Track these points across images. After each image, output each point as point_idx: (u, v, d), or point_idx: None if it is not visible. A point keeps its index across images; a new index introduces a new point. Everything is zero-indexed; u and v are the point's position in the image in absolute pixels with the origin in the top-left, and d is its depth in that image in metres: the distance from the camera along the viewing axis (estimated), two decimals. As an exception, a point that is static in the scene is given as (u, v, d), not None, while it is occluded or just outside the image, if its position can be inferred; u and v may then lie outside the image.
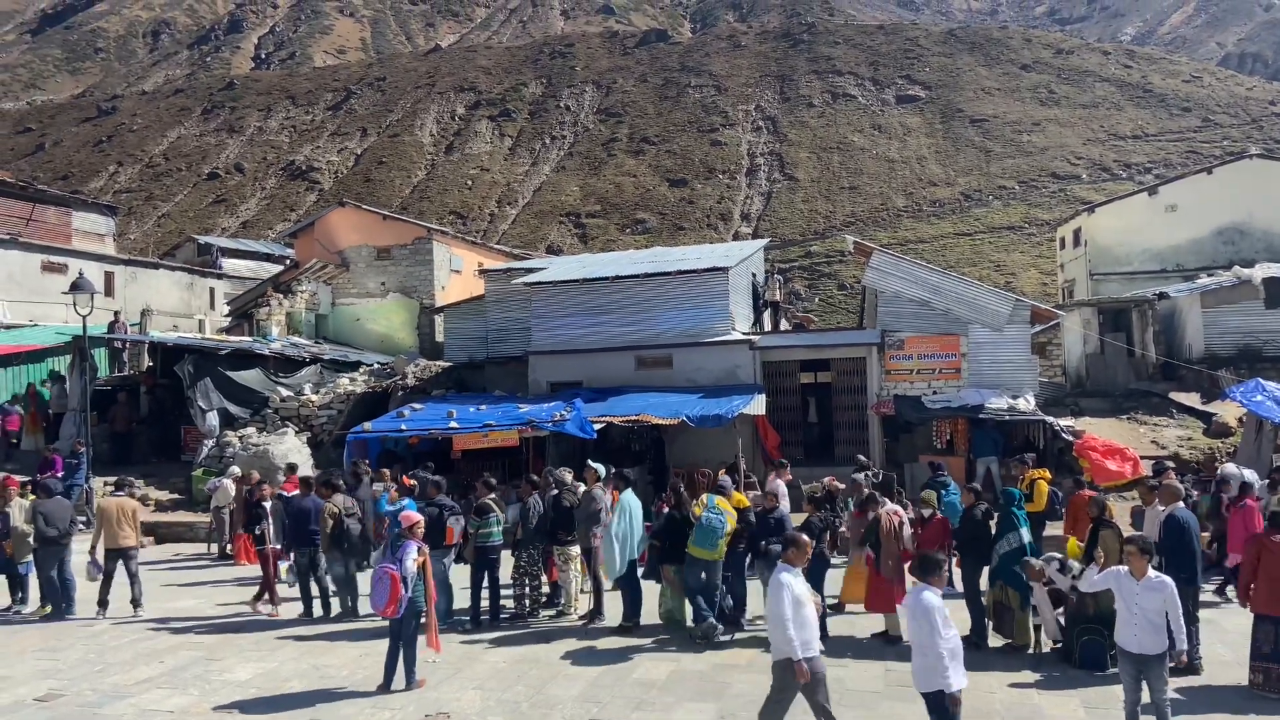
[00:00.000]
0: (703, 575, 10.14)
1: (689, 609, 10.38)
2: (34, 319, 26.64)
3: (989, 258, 58.48)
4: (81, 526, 14.59)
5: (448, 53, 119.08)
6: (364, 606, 11.15)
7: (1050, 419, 18.21)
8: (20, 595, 12.20)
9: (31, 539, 11.79)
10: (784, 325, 27.73)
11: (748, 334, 20.20)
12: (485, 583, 11.10)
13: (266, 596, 11.95)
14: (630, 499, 11.02)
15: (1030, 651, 9.54)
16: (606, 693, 8.54)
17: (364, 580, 11.00)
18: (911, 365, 19.36)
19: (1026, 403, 18.05)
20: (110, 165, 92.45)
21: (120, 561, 11.89)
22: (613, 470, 11.94)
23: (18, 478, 14.26)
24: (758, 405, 17.78)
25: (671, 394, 18.54)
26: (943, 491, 12.11)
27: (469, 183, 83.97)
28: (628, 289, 20.34)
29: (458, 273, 31.30)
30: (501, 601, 11.24)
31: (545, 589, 11.77)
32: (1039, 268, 54.33)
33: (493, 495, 11.58)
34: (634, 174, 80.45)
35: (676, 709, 8.08)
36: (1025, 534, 9.80)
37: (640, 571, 11.07)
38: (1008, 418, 17.70)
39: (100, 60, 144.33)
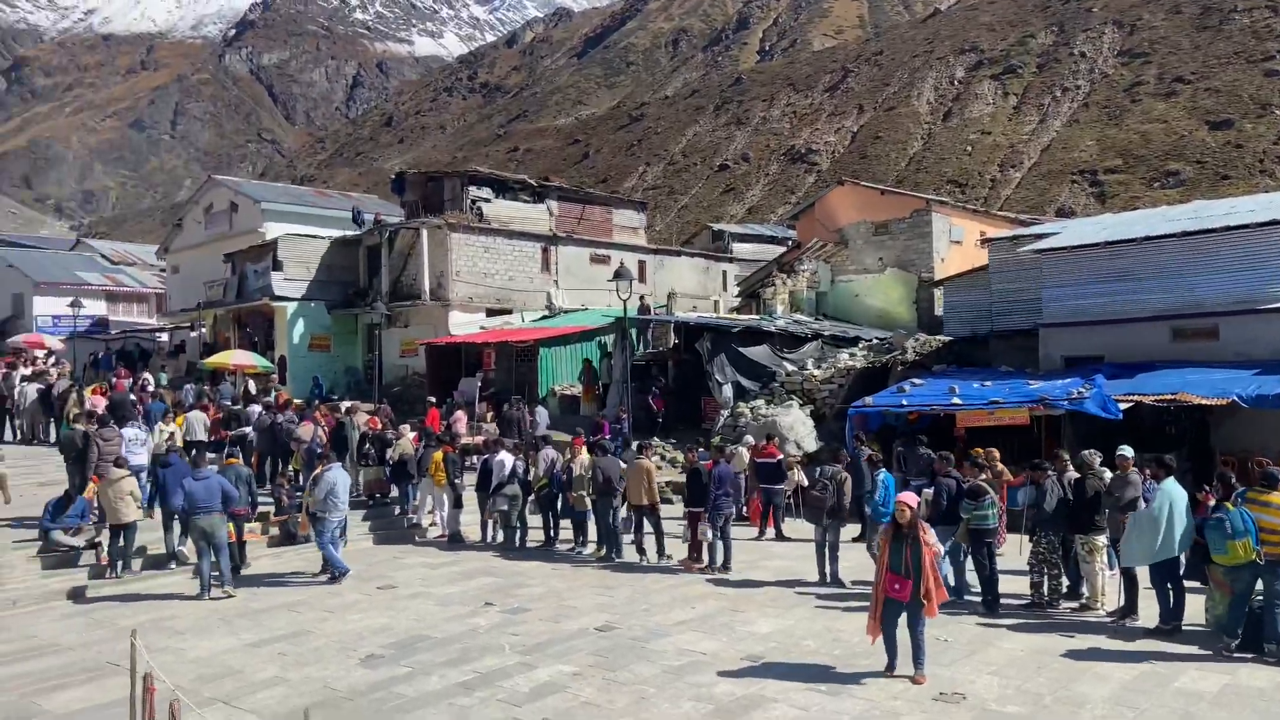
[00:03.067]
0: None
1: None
2: (585, 303, 31.21)
3: None
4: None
5: (947, 15, 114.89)
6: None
7: None
8: (581, 538, 14.47)
9: (587, 491, 13.97)
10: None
11: (1323, 299, 16.70)
12: (971, 565, 10.79)
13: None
14: (1172, 487, 9.80)
15: None
16: (1143, 698, 7.72)
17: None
18: None
19: None
20: (640, 166, 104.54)
21: (643, 515, 13.60)
22: (1147, 456, 10.74)
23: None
24: (1338, 385, 14.65)
25: (1216, 369, 16.09)
26: None
27: (968, 148, 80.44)
28: (1161, 250, 18.01)
29: (958, 243, 30.22)
30: (1002, 589, 10.77)
31: (1065, 579, 10.97)
32: None
33: (984, 476, 11.39)
34: (1164, 119, 70.66)
35: (1231, 732, 7.04)
36: None
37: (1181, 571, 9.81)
38: None
39: (631, 73, 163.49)
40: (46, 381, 23.52)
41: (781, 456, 15.52)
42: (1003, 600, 10.69)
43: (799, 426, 19.65)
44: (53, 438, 20.53)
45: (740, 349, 22.53)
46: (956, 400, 16.60)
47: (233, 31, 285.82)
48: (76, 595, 12.05)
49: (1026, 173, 74.33)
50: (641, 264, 33.47)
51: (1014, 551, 11.61)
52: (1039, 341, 19.64)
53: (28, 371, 26.18)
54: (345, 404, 19.75)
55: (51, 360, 31.36)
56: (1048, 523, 10.64)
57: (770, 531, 15.57)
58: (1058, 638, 9.54)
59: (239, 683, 8.60)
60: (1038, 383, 16.88)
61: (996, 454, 13.68)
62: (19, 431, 22.29)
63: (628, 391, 21.15)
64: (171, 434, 16.66)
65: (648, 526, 13.75)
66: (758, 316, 27.23)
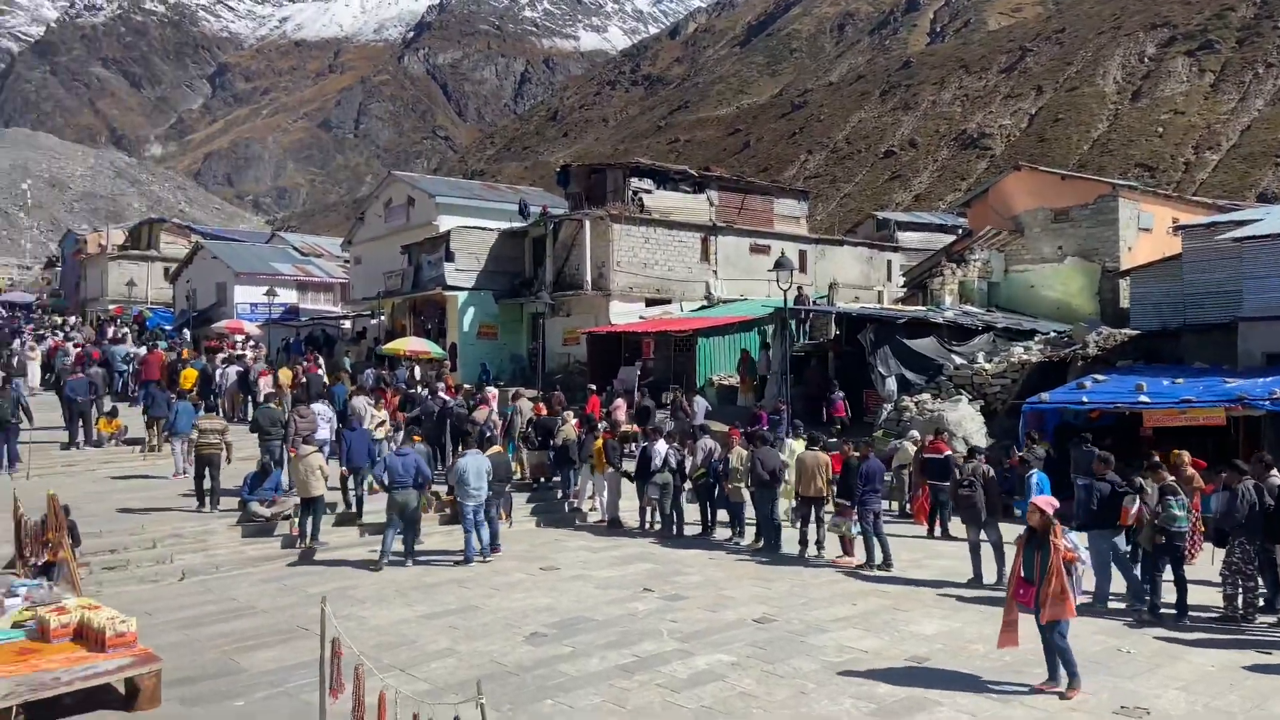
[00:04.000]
0: None
1: None
2: (743, 293, 31.07)
3: None
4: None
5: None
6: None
7: None
8: (738, 529, 14.44)
9: (746, 482, 13.93)
10: None
11: None
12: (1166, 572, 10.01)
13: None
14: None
15: None
16: (1356, 731, 7.03)
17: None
18: None
19: None
20: (801, 154, 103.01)
21: (811, 508, 13.38)
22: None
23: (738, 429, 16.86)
24: None
25: None
26: None
27: (1159, 130, 74.99)
28: (1386, 238, 16.24)
29: (1147, 231, 28.24)
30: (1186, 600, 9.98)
31: (1263, 590, 10.10)
32: None
33: (1171, 479, 10.55)
34: (1393, 92, 63.63)
35: None
36: None
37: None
38: None
39: (794, 60, 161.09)
40: (245, 364, 25.49)
41: (950, 452, 14.98)
42: (1190, 613, 9.94)
43: (968, 422, 18.90)
44: (249, 416, 22.22)
45: (905, 341, 21.88)
46: (1144, 398, 15.56)
47: (411, 33, 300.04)
48: (270, 562, 13.05)
49: (1224, 155, 68.64)
50: (802, 254, 33.01)
51: (1204, 560, 10.80)
52: (1237, 336, 18.13)
53: (229, 354, 28.48)
54: (510, 390, 20.46)
55: (249, 344, 33.94)
56: (1243, 531, 9.83)
57: (938, 530, 15.06)
58: (1252, 654, 8.82)
59: (414, 652, 9.07)
60: (1235, 381, 15.60)
61: (1186, 456, 12.76)
62: (220, 409, 24.26)
63: (786, 383, 20.94)
64: (383, 421, 17.85)
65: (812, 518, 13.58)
66: (925, 308, 26.34)
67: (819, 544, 13.32)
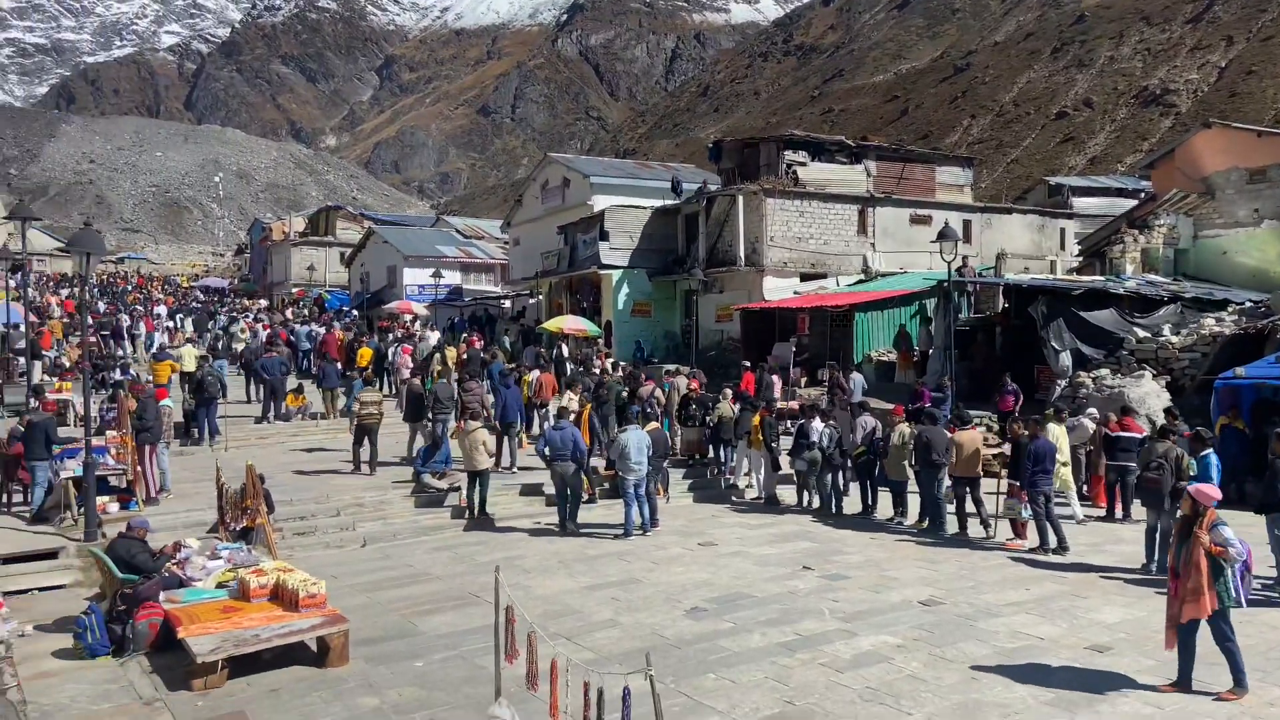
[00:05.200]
0: None
1: None
2: (903, 266, 30.08)
3: None
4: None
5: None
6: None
7: None
8: (901, 509, 14.06)
9: (909, 462, 13.56)
10: None
11: None
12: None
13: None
14: None
15: None
16: None
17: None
18: None
19: None
20: (964, 119, 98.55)
21: (967, 488, 12.89)
22: None
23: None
24: None
25: None
26: None
27: (1376, 76, 67.54)
28: None
29: (1362, 189, 25.50)
30: None
31: None
32: None
33: None
34: None
35: None
36: None
37: None
38: None
39: (956, 20, 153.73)
40: (414, 343, 26.77)
41: (1145, 432, 14.06)
42: None
43: (1151, 399, 17.68)
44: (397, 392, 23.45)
45: (1081, 313, 20.64)
46: (1358, 374, 14.12)
47: (564, 16, 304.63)
48: (442, 531, 13.69)
49: None
50: (966, 223, 31.65)
51: None
52: None
53: (400, 334, 29.96)
54: (667, 367, 20.61)
55: (418, 324, 35.57)
56: None
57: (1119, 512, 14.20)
58: None
59: (579, 622, 9.32)
60: None
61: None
62: (394, 386, 25.56)
63: (950, 359, 20.16)
64: (563, 405, 18.49)
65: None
66: (1103, 277, 24.77)
67: (984, 524, 12.84)
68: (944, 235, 19.05)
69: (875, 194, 31.29)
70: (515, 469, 16.27)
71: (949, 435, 13.10)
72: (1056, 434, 13.24)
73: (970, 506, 13.03)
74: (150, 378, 20.88)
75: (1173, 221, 27.48)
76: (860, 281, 29.53)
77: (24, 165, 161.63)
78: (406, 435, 17.35)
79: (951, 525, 13.11)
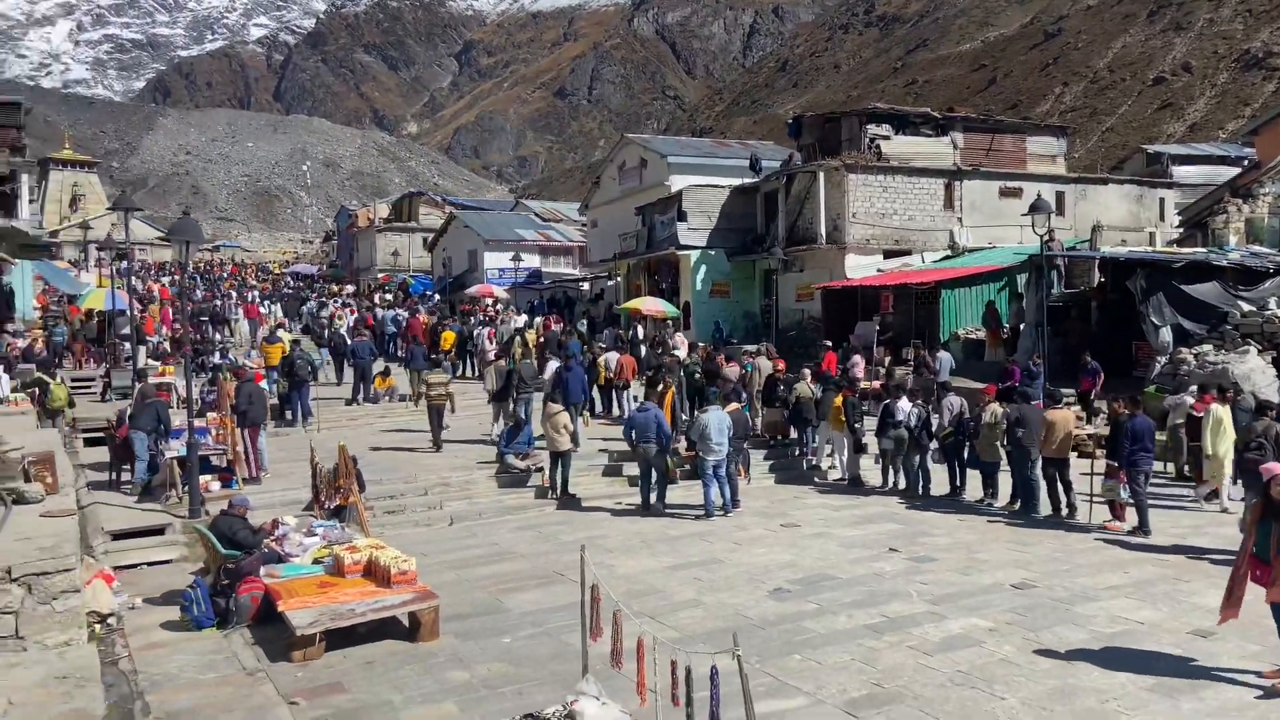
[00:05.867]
0: None
1: None
2: (991, 241, 29.21)
3: None
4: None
5: None
6: None
7: None
8: (991, 490, 13.73)
9: (1000, 442, 13.22)
10: None
11: None
12: None
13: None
14: None
15: None
16: None
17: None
18: None
19: None
20: (1056, 87, 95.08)
21: (1055, 469, 12.50)
22: None
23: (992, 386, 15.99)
24: None
25: None
26: None
27: None
28: None
29: None
30: None
31: None
32: None
33: None
34: None
35: None
36: None
37: None
38: None
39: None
40: (496, 326, 27.15)
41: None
42: None
43: (1257, 375, 16.91)
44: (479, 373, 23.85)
45: (1182, 287, 19.78)
46: None
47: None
48: (525, 510, 13.89)
49: None
50: (1060, 195, 30.54)
51: None
52: None
53: (482, 317, 30.41)
54: (747, 347, 20.48)
55: (499, 307, 36.04)
56: None
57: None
58: None
59: (661, 601, 9.35)
60: None
61: None
62: (477, 368, 25.99)
63: (1043, 336, 19.54)
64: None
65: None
66: (1205, 249, 23.67)
67: (1070, 507, 12.46)
68: (1036, 208, 18.44)
69: (963, 167, 30.44)
70: (576, 447, 16.18)
71: (1042, 414, 12.72)
72: (1220, 414, 12.70)
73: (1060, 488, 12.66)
74: (256, 362, 21.72)
75: (1278, 190, 26.08)
76: (946, 257, 28.79)
77: (125, 158, 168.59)
78: (490, 415, 17.71)
79: (1045, 507, 12.76)
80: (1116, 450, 11.92)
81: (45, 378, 18.37)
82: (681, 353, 21.56)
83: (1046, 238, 18.76)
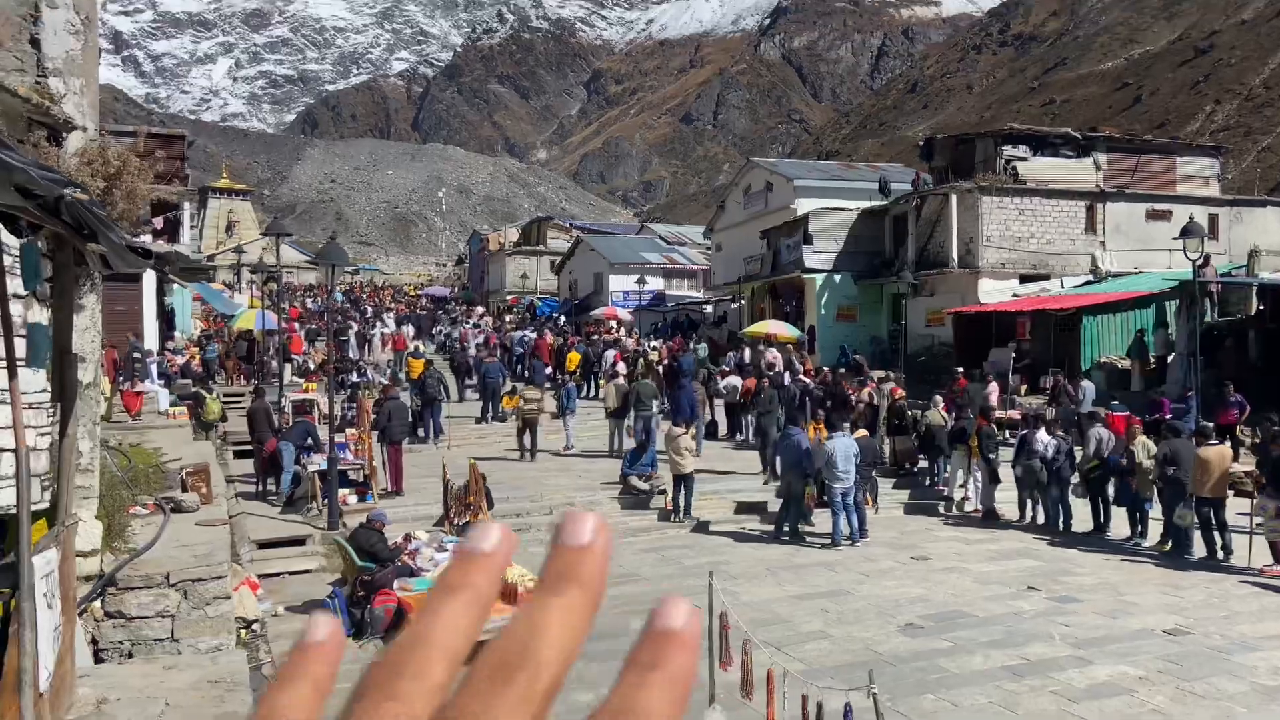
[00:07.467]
0: None
1: None
2: (1137, 266, 27.76)
3: None
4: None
5: None
6: None
7: None
8: (1140, 529, 12.95)
9: (1152, 476, 12.47)
10: None
11: None
12: None
13: None
14: None
15: None
16: None
17: None
18: None
19: None
20: (1206, 105, 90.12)
21: (1210, 510, 11.68)
22: None
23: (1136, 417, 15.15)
24: None
25: None
26: None
27: None
28: None
29: None
30: None
31: None
32: None
33: None
34: None
35: None
36: None
37: None
38: None
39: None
40: (621, 348, 27.44)
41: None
42: None
43: None
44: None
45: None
46: None
47: (767, 21, 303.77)
48: (648, 533, 13.92)
49: None
50: (1212, 218, 28.83)
51: None
52: None
53: (607, 339, 30.79)
54: (877, 374, 20.06)
55: (623, 330, 36.41)
56: None
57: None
58: None
59: (787, 631, 9.18)
60: None
61: None
62: (599, 389, 26.32)
63: (1195, 367, 18.39)
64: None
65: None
66: (1379, 276, 21.88)
67: (1224, 549, 11.62)
68: (1188, 231, 17.47)
69: (1106, 188, 29.09)
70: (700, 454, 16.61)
71: (1195, 450, 11.94)
72: None
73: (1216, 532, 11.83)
74: (399, 378, 22.82)
75: None
76: (1089, 282, 27.51)
77: (275, 186, 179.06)
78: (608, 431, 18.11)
79: (1199, 548, 11.95)
80: (1274, 484, 11.09)
81: (202, 392, 19.55)
82: (785, 374, 21.26)
83: (1200, 262, 17.72)
